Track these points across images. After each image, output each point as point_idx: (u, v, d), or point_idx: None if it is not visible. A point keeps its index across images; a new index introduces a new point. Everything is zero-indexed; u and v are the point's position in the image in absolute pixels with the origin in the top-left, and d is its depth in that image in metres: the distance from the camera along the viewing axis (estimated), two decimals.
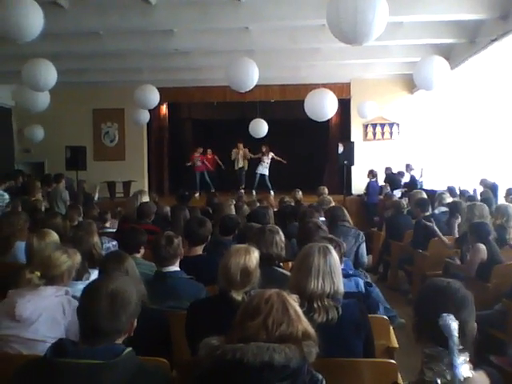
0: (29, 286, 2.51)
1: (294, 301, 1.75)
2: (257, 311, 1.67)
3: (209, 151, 14.01)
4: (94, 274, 3.11)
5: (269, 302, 1.69)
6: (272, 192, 12.67)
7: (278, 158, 13.33)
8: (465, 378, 1.52)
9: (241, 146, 13.77)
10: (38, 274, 2.53)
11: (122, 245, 3.89)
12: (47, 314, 2.45)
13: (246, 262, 2.56)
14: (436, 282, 1.75)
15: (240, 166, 13.79)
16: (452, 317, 1.52)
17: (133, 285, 1.89)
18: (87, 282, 2.57)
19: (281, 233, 3.45)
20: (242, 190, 12.00)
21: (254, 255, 2.64)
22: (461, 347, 1.50)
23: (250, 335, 1.62)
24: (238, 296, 2.50)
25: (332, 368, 2.06)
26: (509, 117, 10.74)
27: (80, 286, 2.82)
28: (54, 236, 3.45)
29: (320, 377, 1.73)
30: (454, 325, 1.50)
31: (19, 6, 4.84)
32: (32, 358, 1.75)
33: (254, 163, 13.54)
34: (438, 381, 1.53)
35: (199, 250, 4.00)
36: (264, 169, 13.19)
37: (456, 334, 1.48)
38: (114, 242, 4.66)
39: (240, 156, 13.78)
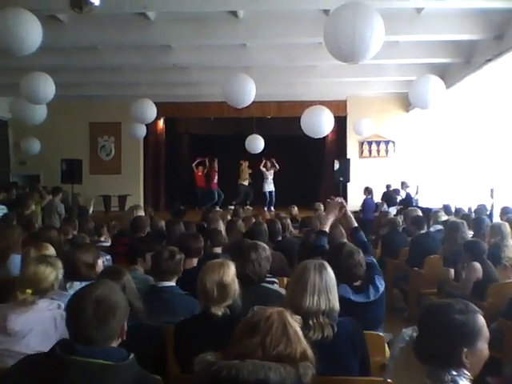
0: (23, 303, 2.49)
1: (295, 321, 1.73)
2: (256, 329, 1.65)
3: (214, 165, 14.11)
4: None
5: (269, 320, 1.67)
6: (272, 208, 12.71)
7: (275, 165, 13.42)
8: None
9: (246, 164, 13.95)
10: (30, 291, 2.51)
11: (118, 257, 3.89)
12: (39, 327, 2.43)
13: (221, 276, 2.56)
14: (442, 315, 1.71)
15: (245, 183, 13.95)
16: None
17: (118, 289, 1.86)
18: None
19: (267, 249, 3.41)
20: (234, 205, 12.01)
21: (230, 269, 2.63)
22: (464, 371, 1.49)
23: (247, 352, 1.60)
24: (217, 311, 2.50)
25: None
26: (504, 136, 10.80)
27: (67, 297, 2.80)
28: (51, 249, 3.43)
29: None
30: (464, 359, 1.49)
31: (18, 20, 4.86)
32: (39, 354, 1.72)
33: (258, 178, 13.65)
34: None
35: (194, 263, 4.03)
36: (269, 185, 13.28)
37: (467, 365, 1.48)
38: (108, 257, 4.63)
39: (245, 173, 13.95)
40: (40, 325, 2.44)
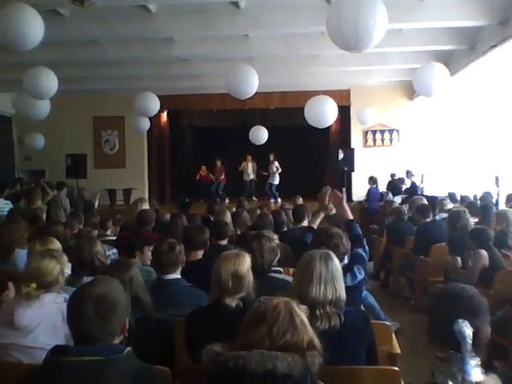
0: (28, 296, 2.50)
1: (302, 311, 1.74)
2: (263, 319, 1.65)
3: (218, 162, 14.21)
4: None
5: (276, 310, 1.67)
6: (279, 200, 12.71)
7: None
8: (477, 383, 1.52)
9: (249, 158, 13.89)
10: (34, 285, 2.51)
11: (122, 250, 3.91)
12: (46, 321, 2.44)
13: (237, 267, 2.55)
14: (452, 288, 1.75)
15: (250, 178, 13.95)
16: (467, 323, 1.52)
17: (118, 285, 1.86)
18: None
19: (274, 239, 3.42)
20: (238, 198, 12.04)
21: (245, 260, 2.63)
22: (473, 354, 1.50)
23: (254, 342, 1.60)
24: (231, 302, 2.50)
25: (335, 375, 2.04)
26: (509, 122, 10.75)
27: None
28: (57, 244, 3.44)
29: None
30: (468, 331, 1.50)
31: (19, 15, 4.86)
32: (33, 366, 1.73)
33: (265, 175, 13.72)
34: (450, 383, 1.53)
35: (199, 255, 4.02)
36: (272, 178, 13.30)
37: (469, 340, 1.49)
38: (114, 250, 4.65)
39: (249, 168, 13.92)
40: (47, 319, 2.45)
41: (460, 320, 1.53)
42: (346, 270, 3.20)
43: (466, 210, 5.85)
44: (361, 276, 3.30)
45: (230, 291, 2.50)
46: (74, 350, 1.63)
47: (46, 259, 2.64)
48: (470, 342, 1.49)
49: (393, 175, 11.73)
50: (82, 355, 1.60)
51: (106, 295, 1.73)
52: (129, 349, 1.69)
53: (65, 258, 2.83)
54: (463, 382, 1.52)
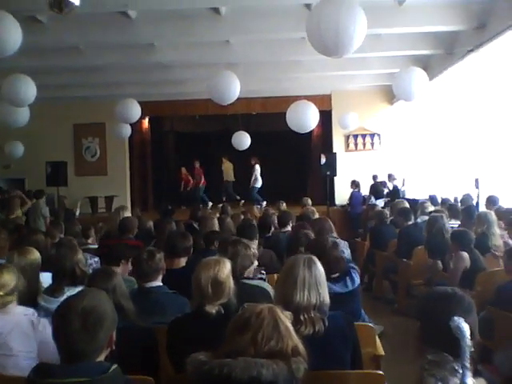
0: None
1: (286, 317, 1.74)
2: (247, 325, 1.66)
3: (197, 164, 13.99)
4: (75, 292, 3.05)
5: (260, 316, 1.68)
6: (263, 204, 12.66)
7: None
8: None
9: (225, 159, 13.75)
10: (2, 293, 2.52)
11: (104, 258, 3.86)
12: (18, 329, 2.43)
13: (216, 273, 2.54)
14: (441, 290, 1.77)
15: (227, 179, 13.79)
16: (462, 320, 1.52)
17: (105, 297, 1.83)
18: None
19: (251, 247, 3.41)
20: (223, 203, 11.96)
21: (225, 266, 2.61)
22: (472, 349, 1.50)
23: (239, 349, 1.60)
24: (211, 309, 2.48)
25: (321, 381, 2.04)
26: (487, 126, 10.91)
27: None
28: (35, 254, 3.40)
29: None
30: (466, 327, 1.50)
31: None
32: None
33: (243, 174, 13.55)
34: None
35: (183, 262, 4.00)
36: (254, 181, 13.18)
37: (468, 335, 1.49)
38: (96, 259, 4.60)
39: (226, 169, 13.78)
40: (18, 327, 2.44)
41: (456, 317, 1.53)
42: (345, 274, 3.26)
43: (444, 215, 5.93)
44: (358, 280, 3.33)
45: (210, 298, 2.49)
46: (57, 371, 1.59)
47: (5, 270, 2.66)
48: (469, 337, 1.49)
49: (375, 177, 11.83)
50: (66, 377, 1.56)
51: (93, 308, 1.69)
52: (114, 366, 1.65)
53: (20, 276, 2.81)
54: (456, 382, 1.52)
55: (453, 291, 1.71)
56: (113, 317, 1.77)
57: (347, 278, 3.24)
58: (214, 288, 2.50)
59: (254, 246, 3.51)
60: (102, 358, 1.72)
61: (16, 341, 2.39)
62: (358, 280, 3.32)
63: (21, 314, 2.51)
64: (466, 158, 11.58)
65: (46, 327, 2.48)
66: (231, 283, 2.59)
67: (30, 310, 2.56)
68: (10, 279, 2.61)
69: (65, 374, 1.58)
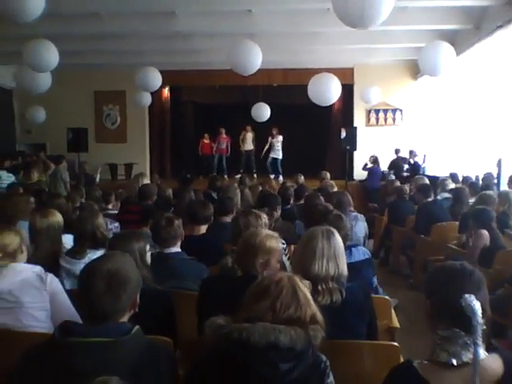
0: None
1: (305, 286, 1.75)
2: (266, 293, 1.67)
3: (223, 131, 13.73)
4: (97, 255, 3.11)
5: (279, 284, 1.69)
6: (280, 177, 12.63)
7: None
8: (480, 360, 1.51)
9: (249, 128, 13.48)
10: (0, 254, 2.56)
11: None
12: (27, 284, 2.48)
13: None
14: (450, 265, 1.72)
15: (249, 148, 13.55)
16: (474, 297, 1.51)
17: (130, 260, 1.85)
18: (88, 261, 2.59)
19: (262, 218, 3.40)
20: (240, 174, 11.95)
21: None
22: (484, 327, 1.49)
23: (257, 316, 1.62)
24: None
25: (335, 350, 2.06)
26: None
27: (82, 265, 2.83)
28: (58, 216, 3.45)
29: (324, 358, 1.73)
30: (478, 305, 1.48)
31: None
32: (39, 341, 1.71)
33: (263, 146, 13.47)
34: (454, 361, 1.52)
35: (203, 230, 4.01)
36: (276, 152, 13.07)
37: (480, 313, 1.47)
38: (116, 224, 4.68)
39: (248, 138, 13.56)
40: (26, 282, 2.49)
41: (467, 295, 1.52)
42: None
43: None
44: (360, 251, 3.43)
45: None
46: (81, 331, 1.62)
47: (5, 232, 2.69)
48: (480, 315, 1.48)
49: (397, 151, 11.69)
50: (90, 336, 1.60)
51: (118, 270, 1.72)
52: (137, 327, 1.68)
53: (23, 232, 2.86)
54: (467, 358, 1.51)
55: (461, 266, 1.67)
56: (137, 279, 1.79)
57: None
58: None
59: (277, 214, 3.49)
60: (125, 319, 1.75)
61: (27, 295, 2.45)
62: (358, 257, 3.38)
63: (28, 270, 2.55)
64: (490, 137, 11.38)
65: (53, 280, 2.56)
66: None
67: (37, 267, 2.59)
68: (11, 240, 2.65)
69: (89, 333, 1.61)
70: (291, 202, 5.80)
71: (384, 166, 11.63)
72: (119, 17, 8.62)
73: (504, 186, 8.21)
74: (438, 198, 6.72)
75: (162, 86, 11.53)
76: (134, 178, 7.00)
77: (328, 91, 8.10)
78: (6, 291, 2.43)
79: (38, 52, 6.66)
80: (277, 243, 2.57)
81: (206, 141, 13.87)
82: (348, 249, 3.26)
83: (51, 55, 6.72)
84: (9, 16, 5.03)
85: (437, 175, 9.35)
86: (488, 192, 5.94)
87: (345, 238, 3.01)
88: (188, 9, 8.22)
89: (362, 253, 3.48)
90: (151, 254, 2.85)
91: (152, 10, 8.18)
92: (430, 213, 6.13)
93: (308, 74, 9.61)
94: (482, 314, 1.51)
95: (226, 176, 13.08)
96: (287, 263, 3.15)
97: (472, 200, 6.37)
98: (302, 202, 5.71)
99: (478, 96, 11.74)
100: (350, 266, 3.07)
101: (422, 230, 6.08)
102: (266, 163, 13.25)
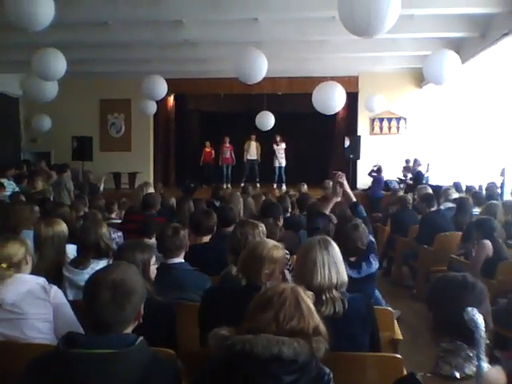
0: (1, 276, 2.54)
1: (308, 297, 1.75)
2: (269, 304, 1.67)
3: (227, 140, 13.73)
4: (100, 265, 3.11)
5: (282, 295, 1.69)
6: (283, 186, 12.64)
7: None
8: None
9: (253, 137, 13.50)
10: (4, 265, 2.55)
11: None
12: (30, 295, 2.48)
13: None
14: (452, 278, 1.71)
15: (253, 157, 13.56)
16: (476, 310, 1.50)
17: (135, 271, 1.86)
18: (92, 271, 2.59)
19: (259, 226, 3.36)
20: (243, 183, 11.95)
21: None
22: (487, 341, 1.48)
23: (260, 327, 1.61)
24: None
25: (338, 361, 2.06)
26: None
27: (85, 275, 2.84)
28: (62, 225, 3.46)
29: (327, 371, 1.72)
30: (480, 318, 1.48)
31: None
32: (44, 352, 1.72)
33: (268, 154, 13.46)
34: (457, 374, 1.51)
35: (206, 239, 4.01)
36: (280, 159, 13.07)
37: (483, 327, 1.46)
38: (120, 233, 4.68)
39: (253, 147, 13.59)
40: (30, 293, 2.49)
41: (469, 308, 1.51)
42: (363, 258, 3.23)
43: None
44: (376, 264, 3.29)
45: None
46: (85, 342, 1.62)
47: (10, 242, 2.68)
48: (483, 329, 1.47)
49: (407, 161, 11.66)
50: (93, 347, 1.60)
51: (123, 281, 1.72)
52: (141, 339, 1.68)
53: (28, 242, 2.85)
54: (470, 371, 1.51)
55: (463, 278, 1.67)
56: (142, 290, 1.80)
57: (363, 262, 3.21)
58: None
59: (279, 223, 3.48)
60: (129, 330, 1.75)
61: (31, 306, 2.45)
62: (375, 265, 3.28)
63: (33, 281, 2.56)
64: (494, 146, 11.36)
65: (57, 293, 2.57)
66: None
67: (41, 279, 2.60)
68: (16, 251, 2.64)
69: (92, 345, 1.61)
70: (289, 211, 5.80)
71: (387, 175, 11.60)
72: (126, 25, 8.68)
73: (508, 196, 8.20)
74: (442, 207, 6.70)
75: (167, 95, 11.58)
76: (139, 187, 7.01)
77: (333, 100, 8.11)
78: (10, 302, 2.44)
79: (46, 61, 6.71)
80: (282, 253, 2.58)
81: (208, 149, 13.95)
82: (366, 259, 3.25)
83: (59, 64, 6.77)
84: (19, 25, 5.07)
85: (440, 184, 9.33)
86: (494, 202, 5.92)
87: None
88: (195, 17, 8.26)
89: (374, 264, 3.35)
90: None
91: (159, 19, 8.23)
92: (433, 223, 6.11)
93: (313, 82, 9.64)
94: (488, 325, 1.51)
95: (229, 185, 13.10)
96: (289, 275, 3.14)
97: (476, 209, 6.37)
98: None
99: (483, 104, 11.73)
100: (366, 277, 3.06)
101: (425, 239, 6.06)
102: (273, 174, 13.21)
